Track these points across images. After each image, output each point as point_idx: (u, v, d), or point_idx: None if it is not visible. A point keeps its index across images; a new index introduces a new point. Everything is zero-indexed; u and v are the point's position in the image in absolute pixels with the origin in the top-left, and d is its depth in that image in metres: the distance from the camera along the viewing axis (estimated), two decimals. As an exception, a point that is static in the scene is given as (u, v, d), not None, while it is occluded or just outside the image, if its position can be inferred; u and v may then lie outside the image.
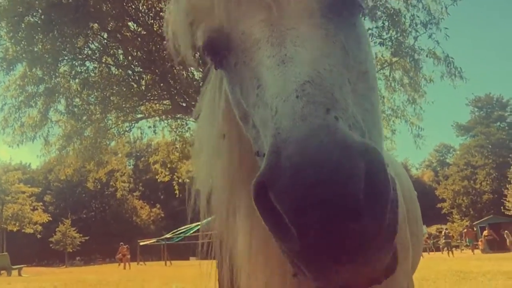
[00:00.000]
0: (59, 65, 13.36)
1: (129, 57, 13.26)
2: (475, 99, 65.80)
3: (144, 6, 12.79)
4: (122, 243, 40.87)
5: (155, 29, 12.43)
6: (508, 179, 51.25)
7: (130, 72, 13.93)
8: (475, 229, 48.04)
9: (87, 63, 14.16)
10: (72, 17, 9.59)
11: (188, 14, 1.24)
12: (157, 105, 14.92)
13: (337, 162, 0.81)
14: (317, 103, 0.91)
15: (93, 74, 14.32)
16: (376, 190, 0.84)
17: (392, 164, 2.38)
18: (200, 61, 1.38)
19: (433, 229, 61.86)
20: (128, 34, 13.00)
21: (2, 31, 12.48)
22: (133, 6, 12.91)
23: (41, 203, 58.11)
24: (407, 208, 2.07)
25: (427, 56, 12.42)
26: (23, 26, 11.04)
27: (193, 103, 13.75)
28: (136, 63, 13.13)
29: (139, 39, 13.11)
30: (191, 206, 1.61)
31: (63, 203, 66.61)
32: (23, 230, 53.22)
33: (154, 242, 46.81)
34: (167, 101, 14.05)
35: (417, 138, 14.52)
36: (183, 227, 37.26)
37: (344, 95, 0.99)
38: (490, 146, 64.45)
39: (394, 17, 11.69)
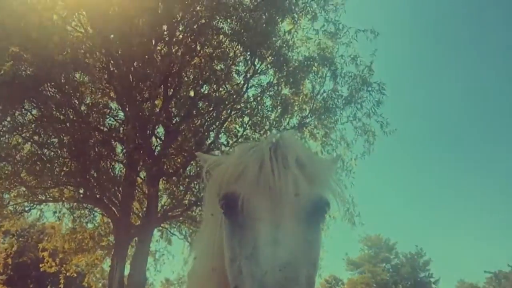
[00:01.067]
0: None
1: (54, 139, 12.99)
2: (366, 238, 69.80)
3: (83, 97, 12.96)
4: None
5: (89, 120, 12.51)
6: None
7: (47, 152, 13.53)
8: None
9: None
10: (14, 95, 9.46)
11: (219, 185, 1.82)
12: (70, 191, 14.33)
13: None
14: (290, 279, 1.48)
15: (4, 146, 13.63)
16: None
17: None
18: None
19: None
20: (60, 116, 12.88)
21: None
22: (70, 91, 12.97)
23: None
24: None
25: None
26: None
27: (107, 194, 13.47)
28: (65, 149, 12.83)
29: (67, 124, 13.01)
30: None
31: None
32: None
33: None
34: (82, 189, 13.62)
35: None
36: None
37: (303, 275, 1.55)
38: (374, 286, 67.40)
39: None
